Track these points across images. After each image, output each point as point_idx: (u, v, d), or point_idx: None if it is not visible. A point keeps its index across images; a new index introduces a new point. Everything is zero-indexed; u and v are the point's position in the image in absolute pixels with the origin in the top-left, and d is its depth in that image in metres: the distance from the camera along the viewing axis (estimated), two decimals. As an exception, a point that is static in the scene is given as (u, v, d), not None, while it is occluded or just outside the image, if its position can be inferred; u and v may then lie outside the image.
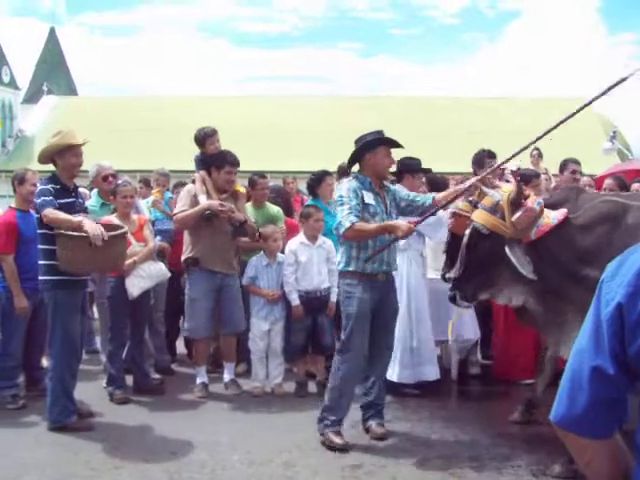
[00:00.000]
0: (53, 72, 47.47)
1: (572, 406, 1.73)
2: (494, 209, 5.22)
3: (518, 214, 5.05)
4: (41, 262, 6.39)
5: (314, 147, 28.25)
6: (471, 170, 8.18)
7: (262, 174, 8.66)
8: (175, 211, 7.68)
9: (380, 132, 6.13)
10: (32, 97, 42.94)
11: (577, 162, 8.08)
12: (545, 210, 5.19)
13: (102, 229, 6.07)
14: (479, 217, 5.29)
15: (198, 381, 7.53)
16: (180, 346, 9.09)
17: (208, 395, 7.39)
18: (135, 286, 7.19)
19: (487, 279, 5.37)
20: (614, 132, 22.72)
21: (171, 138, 31.27)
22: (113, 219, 7.08)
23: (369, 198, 5.89)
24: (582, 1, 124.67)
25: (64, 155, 6.38)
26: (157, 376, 7.86)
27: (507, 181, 9.77)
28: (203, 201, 7.32)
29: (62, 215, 6.13)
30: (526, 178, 8.24)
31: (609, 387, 1.68)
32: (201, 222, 7.30)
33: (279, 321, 7.49)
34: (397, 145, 6.09)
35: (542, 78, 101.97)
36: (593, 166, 8.46)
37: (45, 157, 6.47)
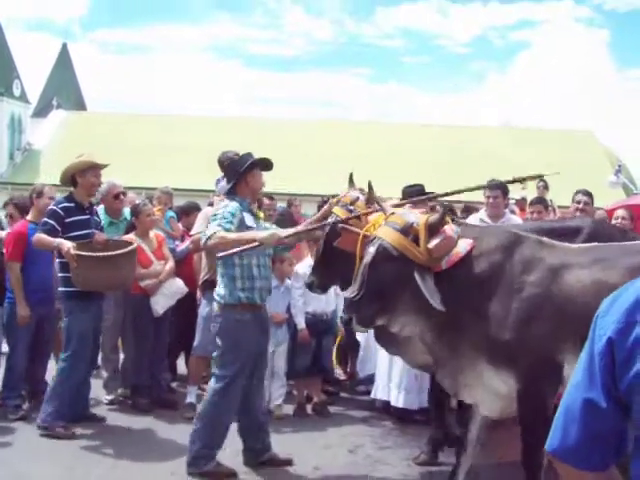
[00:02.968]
0: (63, 87, 47.72)
1: (566, 438, 1.75)
2: (406, 231, 4.78)
3: (436, 241, 4.72)
4: (60, 275, 6.76)
5: (320, 170, 28.36)
6: (482, 199, 8.20)
7: (270, 195, 8.68)
8: (193, 232, 7.73)
9: (251, 154, 5.96)
10: (42, 111, 43.17)
11: (589, 194, 8.05)
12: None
13: (72, 249, 6.35)
14: (388, 236, 4.79)
15: (188, 401, 7.49)
16: (181, 365, 9.08)
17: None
18: (159, 304, 7.45)
19: (388, 304, 4.85)
20: (619, 166, 22.82)
21: (178, 157, 31.46)
22: (133, 237, 7.22)
23: (250, 220, 5.73)
24: (592, 35, 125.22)
25: (85, 174, 6.78)
26: None
27: (512, 212, 9.86)
28: None
29: (47, 239, 6.51)
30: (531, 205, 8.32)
31: (602, 420, 1.71)
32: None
33: (282, 343, 7.50)
34: (268, 164, 5.97)
35: (550, 109, 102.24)
36: (598, 199, 8.45)
37: (67, 175, 6.83)
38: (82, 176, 6.78)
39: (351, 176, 6.24)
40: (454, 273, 4.79)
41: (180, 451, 6.25)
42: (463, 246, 4.85)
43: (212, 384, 5.69)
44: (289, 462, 5.99)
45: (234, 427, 5.86)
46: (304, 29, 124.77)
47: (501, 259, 4.80)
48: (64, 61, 50.36)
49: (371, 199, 5.62)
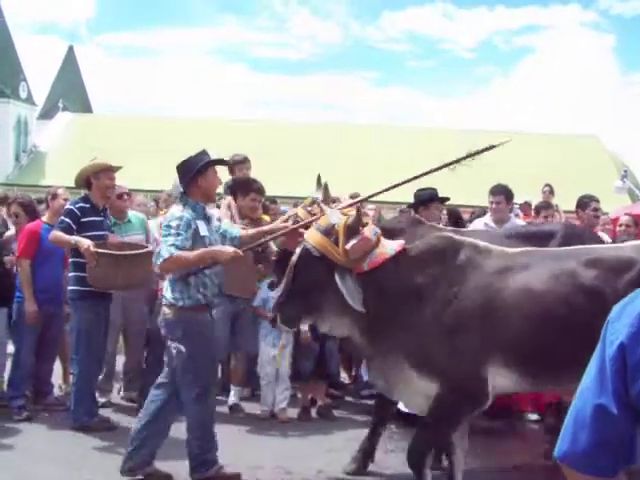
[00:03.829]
0: (69, 89, 47.78)
1: (575, 444, 1.73)
2: (329, 231, 4.81)
3: (353, 242, 4.69)
4: (72, 274, 6.83)
5: (326, 173, 28.35)
6: (487, 203, 8.19)
7: (273, 199, 8.69)
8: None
9: (205, 152, 5.76)
10: (48, 113, 43.23)
11: (597, 200, 8.02)
12: (382, 240, 4.91)
13: (92, 246, 6.44)
14: (312, 237, 4.87)
15: None
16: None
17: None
18: None
19: (313, 304, 4.93)
20: (625, 171, 22.82)
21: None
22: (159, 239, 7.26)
23: (203, 229, 5.52)
24: (598, 40, 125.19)
25: (99, 176, 6.91)
26: None
27: (516, 215, 9.85)
28: None
29: (64, 236, 6.63)
30: (537, 209, 8.31)
31: (612, 426, 1.69)
32: None
33: (286, 346, 7.50)
34: (224, 163, 5.78)
35: (554, 114, 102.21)
36: (604, 205, 8.45)
37: (82, 177, 6.96)
38: (96, 178, 6.91)
39: (319, 178, 6.18)
40: (380, 275, 4.79)
41: (183, 453, 6.26)
42: (391, 247, 4.86)
43: (187, 395, 5.50)
44: (169, 477, 5.80)
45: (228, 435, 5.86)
46: (310, 32, 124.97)
47: (432, 263, 4.81)
48: (70, 64, 50.44)
49: (326, 200, 5.61)
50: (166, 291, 5.57)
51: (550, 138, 36.57)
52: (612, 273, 4.61)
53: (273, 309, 5.20)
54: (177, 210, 5.51)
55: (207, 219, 5.64)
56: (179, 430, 6.33)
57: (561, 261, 4.76)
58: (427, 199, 7.27)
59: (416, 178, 5.66)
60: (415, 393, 4.79)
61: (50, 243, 6.99)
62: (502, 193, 7.78)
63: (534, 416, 7.57)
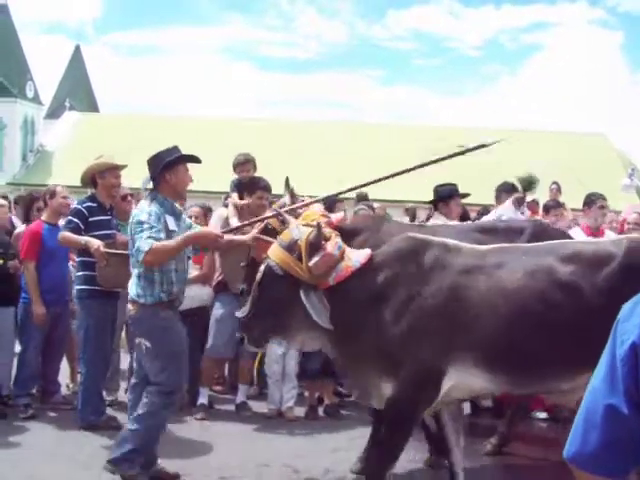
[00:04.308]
0: (76, 89, 47.82)
1: (585, 444, 1.72)
2: (291, 247, 4.68)
3: (315, 259, 4.56)
4: (79, 273, 6.86)
5: (332, 172, 28.33)
6: (493, 201, 8.17)
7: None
8: None
9: (177, 148, 5.65)
10: (54, 112, 43.27)
11: (604, 198, 7.96)
12: (347, 251, 4.76)
13: (102, 247, 6.44)
14: (274, 254, 4.74)
15: (199, 402, 7.54)
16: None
17: (208, 417, 7.39)
18: None
19: (279, 323, 4.83)
20: (632, 169, 22.70)
21: (190, 158, 31.47)
22: None
23: (172, 224, 5.43)
24: (606, 38, 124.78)
25: (105, 175, 6.89)
26: None
27: (523, 213, 9.82)
28: (234, 224, 7.34)
29: (73, 237, 6.63)
30: (547, 208, 8.27)
31: (623, 427, 1.67)
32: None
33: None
34: (196, 160, 5.67)
35: (561, 112, 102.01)
36: (612, 203, 8.42)
37: (87, 176, 6.95)
38: (102, 177, 6.90)
39: (287, 180, 6.11)
40: (348, 287, 4.67)
41: (191, 452, 6.28)
42: (356, 259, 4.71)
43: (153, 387, 5.35)
44: (177, 476, 5.73)
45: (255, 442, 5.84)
46: (316, 31, 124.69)
47: (400, 268, 4.68)
48: (77, 63, 50.47)
49: (293, 199, 5.53)
50: (131, 287, 5.49)
51: (557, 136, 36.48)
52: (590, 268, 4.51)
53: (240, 329, 5.07)
54: (144, 205, 5.42)
55: (176, 215, 5.56)
56: (190, 431, 6.36)
57: (536, 257, 4.64)
58: (447, 195, 7.21)
59: (401, 173, 5.51)
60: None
61: (52, 242, 7.01)
62: (514, 192, 7.75)
63: (542, 414, 7.55)
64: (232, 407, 7.66)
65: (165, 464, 5.87)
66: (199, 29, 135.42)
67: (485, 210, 9.07)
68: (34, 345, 7.32)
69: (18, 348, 7.59)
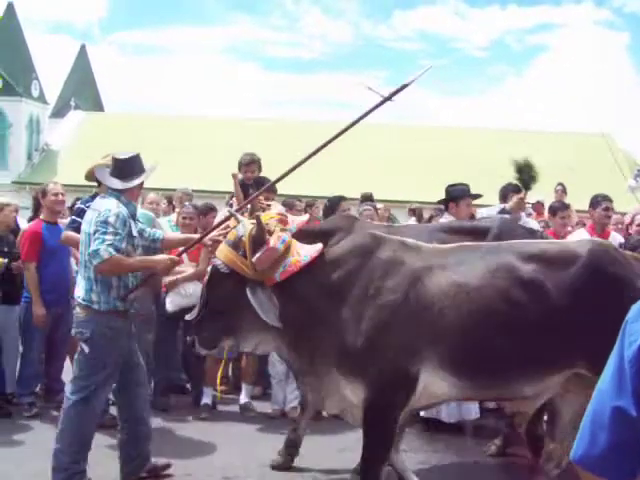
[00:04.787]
0: (81, 88, 47.82)
1: (592, 446, 1.70)
2: (236, 245, 4.60)
3: (258, 254, 4.45)
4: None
5: (338, 172, 28.32)
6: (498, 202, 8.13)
7: (298, 198, 8.68)
8: None
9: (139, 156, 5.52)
10: (60, 112, 43.29)
11: (610, 199, 7.91)
12: (297, 246, 4.64)
13: None
14: (221, 253, 4.66)
15: (203, 402, 7.56)
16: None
17: (211, 417, 7.40)
18: (172, 302, 7.52)
19: (229, 324, 4.70)
20: (638, 170, 22.63)
21: (195, 158, 31.52)
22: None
23: (134, 229, 5.34)
24: (612, 38, 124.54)
25: None
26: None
27: (529, 214, 9.79)
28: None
29: (76, 236, 6.46)
30: (554, 210, 8.24)
31: (631, 429, 1.65)
32: None
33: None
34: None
35: (567, 113, 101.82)
36: (618, 204, 8.39)
37: (91, 175, 6.86)
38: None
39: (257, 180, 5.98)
40: (297, 284, 4.55)
41: (195, 451, 6.28)
42: (306, 254, 4.60)
43: (72, 395, 5.21)
44: (168, 466, 5.74)
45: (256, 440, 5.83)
46: (321, 31, 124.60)
47: (355, 264, 4.57)
48: (82, 62, 50.49)
49: (254, 207, 5.42)
50: (80, 290, 5.28)
51: (562, 137, 36.41)
52: (552, 269, 4.46)
53: (191, 332, 4.96)
54: (112, 205, 5.21)
55: (135, 220, 5.47)
56: (194, 430, 6.36)
57: (498, 256, 4.57)
58: (458, 195, 7.17)
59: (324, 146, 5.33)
60: (347, 402, 4.58)
61: (52, 241, 7.01)
62: (518, 192, 7.71)
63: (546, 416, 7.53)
64: (236, 407, 7.66)
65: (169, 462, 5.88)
66: (204, 29, 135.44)
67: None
68: (36, 344, 7.34)
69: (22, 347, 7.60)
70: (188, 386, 8.42)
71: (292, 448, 6.02)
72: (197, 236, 5.87)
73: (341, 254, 4.64)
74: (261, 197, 5.65)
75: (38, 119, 39.75)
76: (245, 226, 4.65)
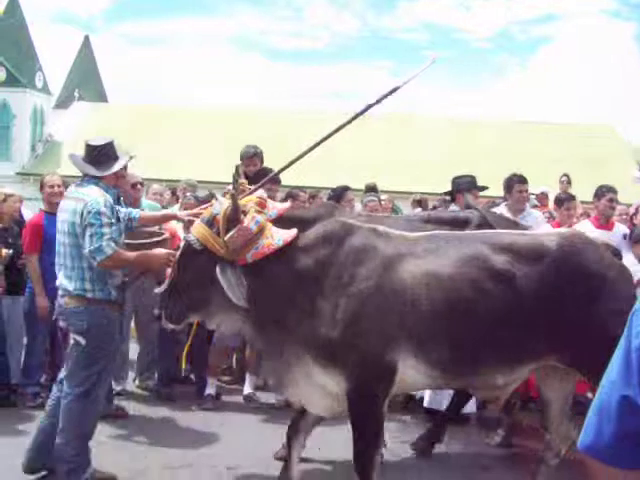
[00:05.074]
0: (85, 79, 47.79)
1: (599, 435, 1.71)
2: (211, 222, 4.61)
3: (231, 233, 4.45)
4: None
5: (344, 164, 28.30)
6: (501, 194, 8.12)
7: (302, 189, 8.67)
8: None
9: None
10: (63, 103, 43.28)
11: (614, 190, 7.89)
12: (272, 230, 4.60)
13: None
14: (195, 229, 4.66)
15: (207, 393, 7.57)
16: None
17: (215, 408, 7.41)
18: None
19: (197, 300, 4.69)
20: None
21: (200, 149, 31.50)
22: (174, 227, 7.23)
23: (120, 216, 5.35)
24: (617, 28, 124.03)
25: None
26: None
27: (536, 206, 9.78)
28: None
29: None
30: (560, 201, 8.22)
31: (638, 418, 1.66)
32: None
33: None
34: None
35: (572, 103, 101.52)
36: (623, 195, 8.38)
37: None
38: None
39: (237, 168, 5.99)
40: (268, 266, 4.53)
41: (199, 443, 6.30)
42: (279, 237, 4.57)
43: (72, 389, 5.13)
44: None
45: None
46: (326, 22, 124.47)
47: (328, 251, 4.55)
48: (86, 53, 50.44)
49: (237, 190, 5.43)
50: (67, 280, 5.21)
51: (566, 128, 36.31)
52: (522, 260, 4.47)
53: (159, 305, 4.92)
54: (97, 193, 5.15)
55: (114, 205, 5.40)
56: (198, 421, 6.35)
57: (468, 245, 4.57)
58: (466, 187, 7.17)
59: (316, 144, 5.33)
60: (316, 390, 4.58)
61: (54, 231, 7.02)
62: (524, 183, 7.70)
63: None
64: (240, 398, 7.67)
65: (172, 455, 5.90)
66: (208, 19, 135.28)
67: (493, 204, 9.04)
68: (41, 335, 7.37)
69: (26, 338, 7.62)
70: (192, 376, 8.44)
71: None
72: (176, 213, 5.84)
73: (313, 240, 4.63)
74: (246, 183, 5.65)
75: (42, 110, 39.72)
76: (222, 204, 4.65)
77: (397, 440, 6.53)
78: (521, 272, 4.43)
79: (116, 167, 5.32)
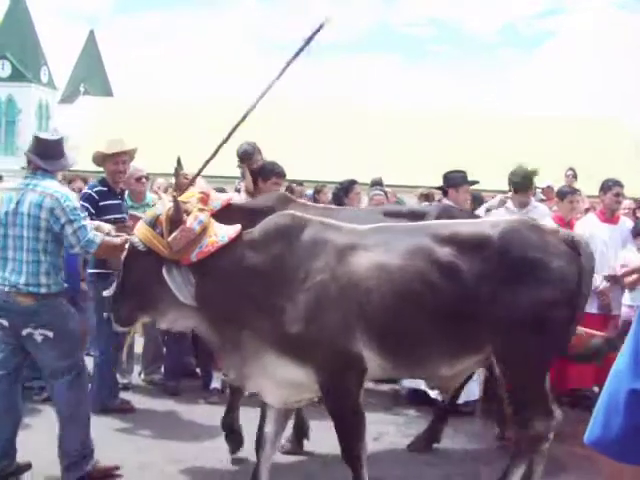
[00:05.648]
0: (90, 73, 47.91)
1: (607, 429, 1.69)
2: (154, 223, 4.57)
3: (174, 234, 4.42)
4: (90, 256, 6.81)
5: (347, 157, 28.29)
6: (506, 187, 8.11)
7: (300, 182, 8.66)
8: None
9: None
10: (69, 97, 43.38)
11: (621, 184, 7.86)
12: (215, 227, 4.59)
13: (113, 231, 6.31)
14: (139, 230, 4.62)
15: (212, 386, 7.62)
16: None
17: (221, 400, 7.37)
18: None
19: (145, 301, 4.66)
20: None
21: (206, 142, 31.43)
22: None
23: None
24: (625, 20, 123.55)
25: (105, 162, 6.96)
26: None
27: (542, 200, 9.76)
28: None
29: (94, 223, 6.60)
30: (562, 194, 8.21)
31: None
32: None
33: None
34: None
35: (579, 97, 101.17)
36: (628, 189, 8.36)
37: (98, 159, 7.04)
38: (104, 164, 7.00)
39: (179, 160, 5.96)
40: (215, 264, 4.51)
41: (204, 436, 6.32)
42: (223, 235, 4.55)
43: (62, 378, 5.17)
44: (29, 466, 5.57)
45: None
46: (330, 15, 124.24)
47: (279, 245, 4.53)
48: (91, 47, 50.56)
49: (180, 186, 5.40)
50: (16, 275, 5.06)
51: (571, 121, 36.23)
52: (465, 250, 4.49)
53: (107, 308, 4.93)
54: (62, 187, 5.22)
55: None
56: (203, 414, 6.37)
57: (414, 237, 4.59)
58: (458, 182, 7.19)
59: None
60: (277, 382, 4.55)
61: None
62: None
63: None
64: (245, 391, 7.66)
65: (178, 448, 5.91)
66: (213, 13, 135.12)
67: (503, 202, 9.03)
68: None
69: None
70: (198, 370, 8.45)
71: (300, 434, 6.04)
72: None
73: (262, 235, 4.62)
74: (186, 172, 5.64)
75: (47, 104, 39.88)
76: (164, 204, 4.62)
77: (401, 434, 6.53)
78: (463, 264, 4.46)
79: (63, 164, 5.37)
